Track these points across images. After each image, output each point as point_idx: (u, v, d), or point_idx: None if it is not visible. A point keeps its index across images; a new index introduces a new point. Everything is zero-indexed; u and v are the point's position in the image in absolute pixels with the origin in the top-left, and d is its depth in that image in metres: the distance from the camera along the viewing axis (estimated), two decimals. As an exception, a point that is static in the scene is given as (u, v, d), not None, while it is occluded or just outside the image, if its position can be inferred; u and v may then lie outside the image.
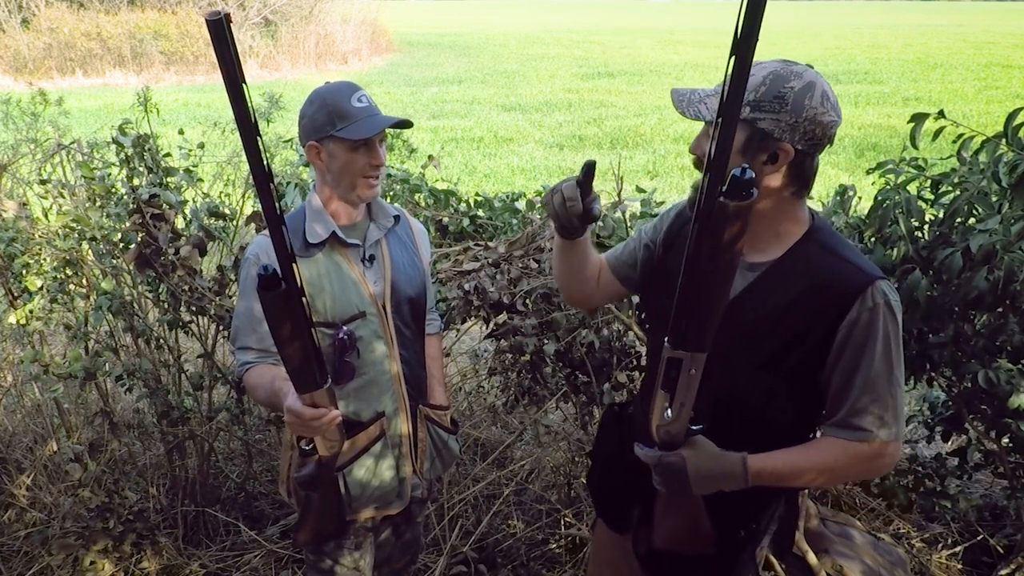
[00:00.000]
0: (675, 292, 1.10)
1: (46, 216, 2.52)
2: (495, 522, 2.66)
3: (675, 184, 8.93)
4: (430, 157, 2.99)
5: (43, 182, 2.53)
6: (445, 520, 2.59)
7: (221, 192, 3.21)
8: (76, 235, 2.33)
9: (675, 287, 1.10)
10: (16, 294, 2.44)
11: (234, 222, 2.57)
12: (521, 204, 2.78)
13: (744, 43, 0.91)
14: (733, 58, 0.92)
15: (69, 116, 4.83)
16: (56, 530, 2.49)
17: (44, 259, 2.34)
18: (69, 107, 5.15)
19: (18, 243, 2.32)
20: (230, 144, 3.93)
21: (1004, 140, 1.83)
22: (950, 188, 1.98)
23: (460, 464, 2.96)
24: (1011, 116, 1.82)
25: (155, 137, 2.37)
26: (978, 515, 2.38)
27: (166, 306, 2.45)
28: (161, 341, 2.56)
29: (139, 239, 2.29)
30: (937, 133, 1.91)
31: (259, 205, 2.35)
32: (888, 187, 2.00)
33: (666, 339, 1.14)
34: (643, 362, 2.39)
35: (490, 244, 2.53)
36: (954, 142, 1.94)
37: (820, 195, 3.78)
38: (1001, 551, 2.38)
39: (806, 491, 2.21)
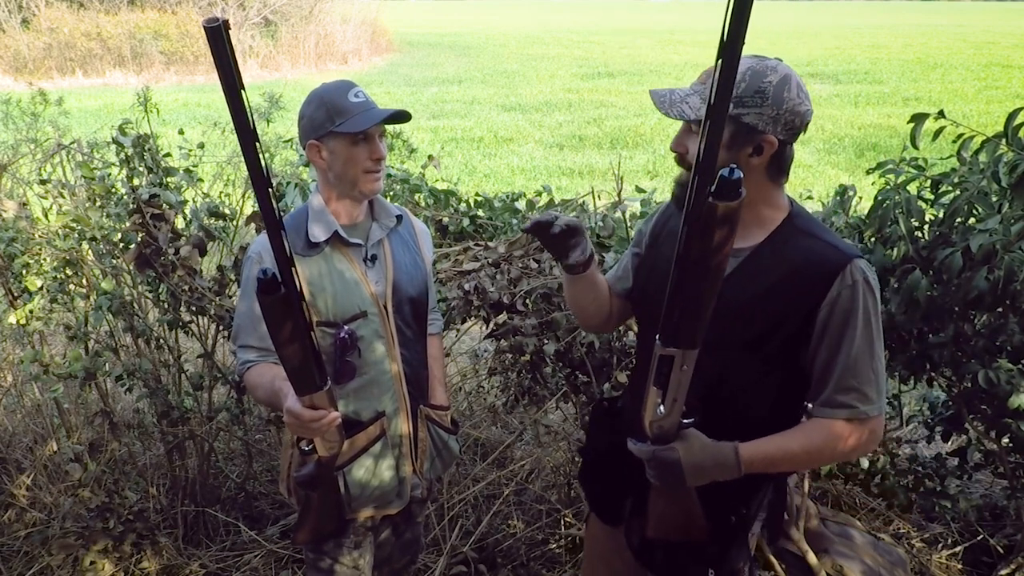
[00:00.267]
0: (661, 283, 1.13)
1: (46, 216, 2.52)
2: (495, 522, 2.66)
3: (675, 184, 8.91)
4: (430, 157, 2.99)
5: (43, 182, 2.53)
6: (445, 520, 2.59)
7: (221, 192, 3.21)
8: (76, 235, 2.33)
9: (661, 278, 1.12)
10: (16, 294, 2.44)
11: (234, 222, 2.57)
12: (521, 204, 2.78)
13: (730, 46, 0.92)
14: (720, 60, 0.94)
15: (69, 116, 4.83)
16: (56, 530, 2.49)
17: (44, 259, 2.34)
18: (69, 107, 5.14)
19: (18, 243, 2.32)
20: (230, 144, 3.93)
21: (1004, 140, 1.83)
22: (950, 188, 1.98)
23: (460, 464, 2.96)
24: (1011, 116, 1.82)
25: (155, 137, 2.37)
26: (978, 515, 2.38)
27: (166, 306, 2.45)
28: (161, 341, 2.56)
29: (139, 239, 2.29)
30: (937, 133, 1.92)
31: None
32: (888, 187, 2.00)
33: (657, 336, 1.16)
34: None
35: (490, 244, 2.53)
36: (954, 142, 1.95)
37: (820, 195, 3.78)
38: (1001, 551, 2.39)
39: (804, 487, 2.22)
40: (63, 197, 2.46)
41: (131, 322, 2.44)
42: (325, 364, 1.37)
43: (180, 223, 2.41)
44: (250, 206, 2.79)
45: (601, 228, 2.45)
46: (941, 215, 1.97)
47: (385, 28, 25.40)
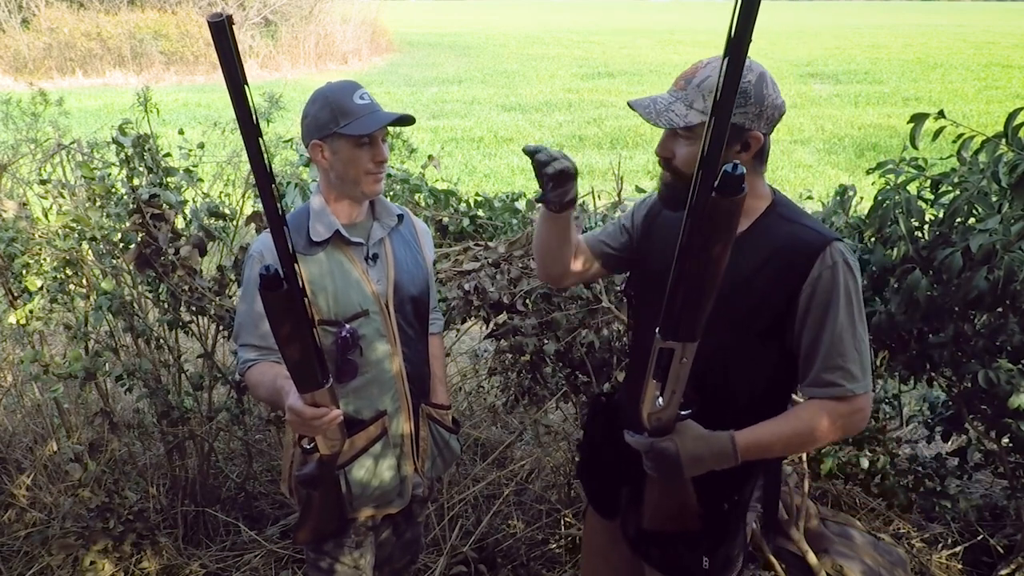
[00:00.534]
0: (656, 278, 1.15)
1: (46, 216, 2.52)
2: (495, 522, 2.66)
3: (675, 184, 8.91)
4: (430, 157, 2.99)
5: (43, 182, 2.53)
6: (445, 520, 2.59)
7: (221, 192, 3.21)
8: (76, 235, 2.33)
9: (655, 274, 1.12)
10: (16, 294, 2.44)
11: (234, 222, 2.57)
12: (521, 204, 2.78)
13: (737, 44, 0.94)
14: (727, 58, 0.96)
15: (69, 116, 4.83)
16: (56, 530, 2.49)
17: (44, 259, 2.34)
18: (69, 107, 5.15)
19: (18, 243, 2.32)
20: (230, 144, 3.93)
21: (1004, 140, 1.83)
22: (950, 188, 1.98)
23: (460, 464, 2.96)
24: (1011, 116, 1.82)
25: (155, 137, 2.37)
26: (978, 515, 2.38)
27: (166, 306, 2.45)
28: (161, 341, 2.56)
29: (139, 239, 2.29)
30: (937, 133, 1.92)
31: (260, 205, 2.36)
32: (888, 187, 2.00)
33: (657, 330, 1.17)
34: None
35: (490, 244, 2.53)
36: (954, 142, 1.95)
37: (820, 195, 3.77)
38: (1001, 551, 2.39)
39: (804, 487, 2.22)
40: (63, 197, 2.46)
41: (131, 322, 2.44)
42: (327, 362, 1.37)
43: (180, 223, 2.41)
44: (250, 206, 2.79)
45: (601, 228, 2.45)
46: (941, 215, 1.98)
47: (385, 28, 25.39)
